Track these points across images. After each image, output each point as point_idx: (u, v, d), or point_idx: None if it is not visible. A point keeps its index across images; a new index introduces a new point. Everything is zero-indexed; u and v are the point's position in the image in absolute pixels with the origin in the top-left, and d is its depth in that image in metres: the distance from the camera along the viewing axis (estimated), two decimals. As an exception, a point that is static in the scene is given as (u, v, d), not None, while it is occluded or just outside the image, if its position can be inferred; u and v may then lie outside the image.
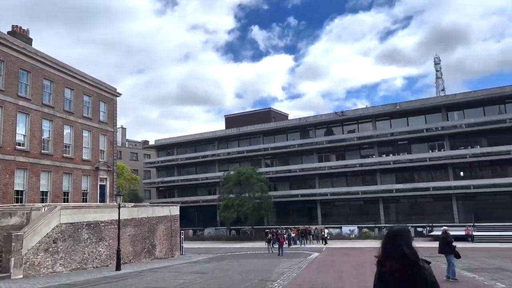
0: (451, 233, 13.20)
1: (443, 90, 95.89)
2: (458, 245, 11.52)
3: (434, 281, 2.85)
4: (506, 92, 41.56)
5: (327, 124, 51.83)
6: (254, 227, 48.67)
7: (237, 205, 46.20)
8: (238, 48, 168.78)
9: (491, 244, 32.08)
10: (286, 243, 34.51)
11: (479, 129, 42.10)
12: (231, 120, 62.80)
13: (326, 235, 39.13)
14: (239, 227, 50.94)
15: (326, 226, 44.39)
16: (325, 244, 37.45)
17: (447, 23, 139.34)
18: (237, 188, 48.26)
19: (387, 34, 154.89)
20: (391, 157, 46.73)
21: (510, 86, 42.00)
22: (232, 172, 49.20)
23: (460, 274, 13.35)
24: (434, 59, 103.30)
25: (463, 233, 36.15)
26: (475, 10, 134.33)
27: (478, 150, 42.47)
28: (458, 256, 12.49)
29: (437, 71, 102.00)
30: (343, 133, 50.58)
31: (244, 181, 47.25)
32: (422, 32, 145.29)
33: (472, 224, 38.69)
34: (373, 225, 45.01)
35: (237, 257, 25.75)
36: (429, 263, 2.94)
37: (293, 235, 39.55)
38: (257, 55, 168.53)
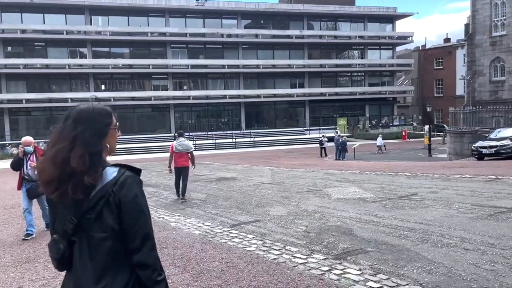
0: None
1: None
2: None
3: None
4: (149, 5, 41.33)
5: None
6: None
7: None
8: None
9: (127, 157, 32.01)
10: None
11: (123, 39, 40.60)
12: None
13: None
14: None
15: None
16: None
17: None
18: None
19: None
20: (21, 60, 38.17)
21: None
22: None
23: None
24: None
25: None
26: None
27: (120, 61, 41.06)
28: None
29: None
30: (-50, 20, 36.95)
31: None
32: None
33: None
34: (-5, 143, 36.65)
35: None
36: None
37: None
38: None
